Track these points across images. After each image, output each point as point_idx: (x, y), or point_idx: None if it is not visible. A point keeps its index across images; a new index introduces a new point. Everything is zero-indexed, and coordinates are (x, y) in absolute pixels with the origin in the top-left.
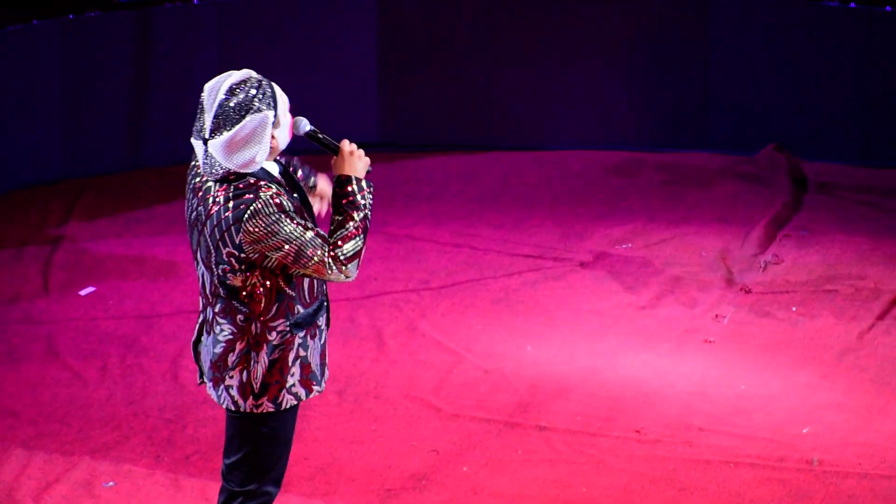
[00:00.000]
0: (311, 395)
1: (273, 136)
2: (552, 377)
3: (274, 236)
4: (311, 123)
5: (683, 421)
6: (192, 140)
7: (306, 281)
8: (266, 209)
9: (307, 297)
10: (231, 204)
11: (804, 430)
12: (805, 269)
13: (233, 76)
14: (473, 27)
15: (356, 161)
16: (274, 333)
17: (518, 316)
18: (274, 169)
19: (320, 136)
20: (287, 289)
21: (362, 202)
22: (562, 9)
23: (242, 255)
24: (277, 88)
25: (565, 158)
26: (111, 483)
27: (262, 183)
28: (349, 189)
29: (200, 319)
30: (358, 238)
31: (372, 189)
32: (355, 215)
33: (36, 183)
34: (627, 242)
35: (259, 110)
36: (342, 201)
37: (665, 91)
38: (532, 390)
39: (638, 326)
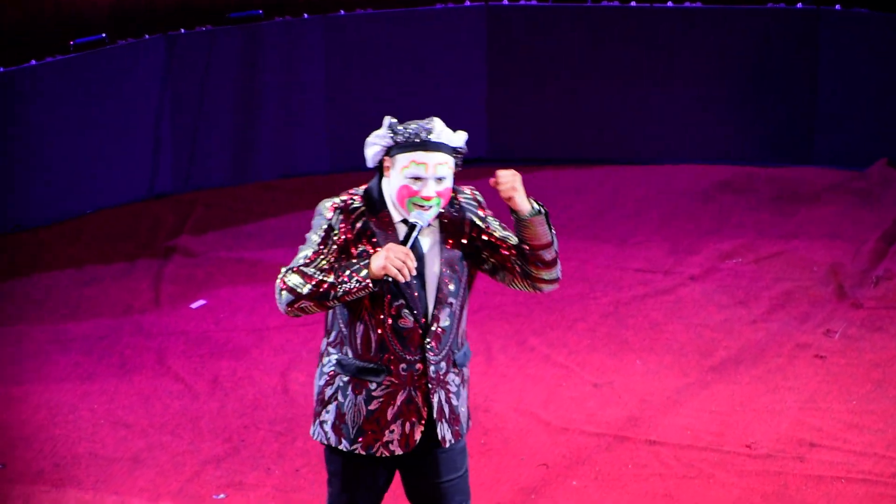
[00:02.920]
0: (340, 447)
1: (385, 167)
2: (662, 391)
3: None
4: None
5: (795, 436)
6: None
7: (361, 330)
8: (319, 207)
9: (359, 346)
10: None
11: None
12: None
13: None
14: (582, 44)
15: (380, 259)
16: (326, 358)
17: (628, 330)
18: (395, 216)
19: (411, 234)
20: (339, 318)
21: (343, 280)
22: (670, 26)
23: None
24: (421, 150)
25: (674, 173)
26: (222, 495)
27: (351, 195)
28: (357, 268)
29: None
30: (306, 284)
31: (362, 282)
32: (329, 279)
33: (146, 197)
34: (737, 257)
35: (385, 125)
36: (346, 268)
37: (774, 106)
38: (642, 404)
39: (748, 340)
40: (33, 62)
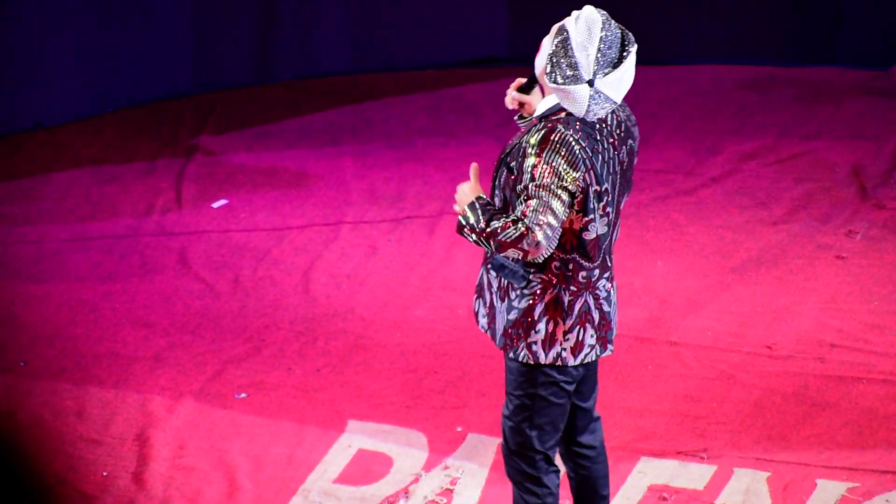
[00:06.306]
0: None
1: None
2: (683, 292)
3: None
4: (440, 35)
5: (815, 337)
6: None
7: None
8: None
9: None
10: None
11: None
12: None
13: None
14: None
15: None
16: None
17: (649, 231)
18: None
19: None
20: None
21: None
22: None
23: None
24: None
25: (695, 74)
26: (243, 395)
27: None
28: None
29: (609, 276)
30: None
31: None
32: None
33: (167, 97)
34: (759, 158)
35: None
36: None
37: (797, 4)
38: (662, 305)
39: (769, 242)
40: None
